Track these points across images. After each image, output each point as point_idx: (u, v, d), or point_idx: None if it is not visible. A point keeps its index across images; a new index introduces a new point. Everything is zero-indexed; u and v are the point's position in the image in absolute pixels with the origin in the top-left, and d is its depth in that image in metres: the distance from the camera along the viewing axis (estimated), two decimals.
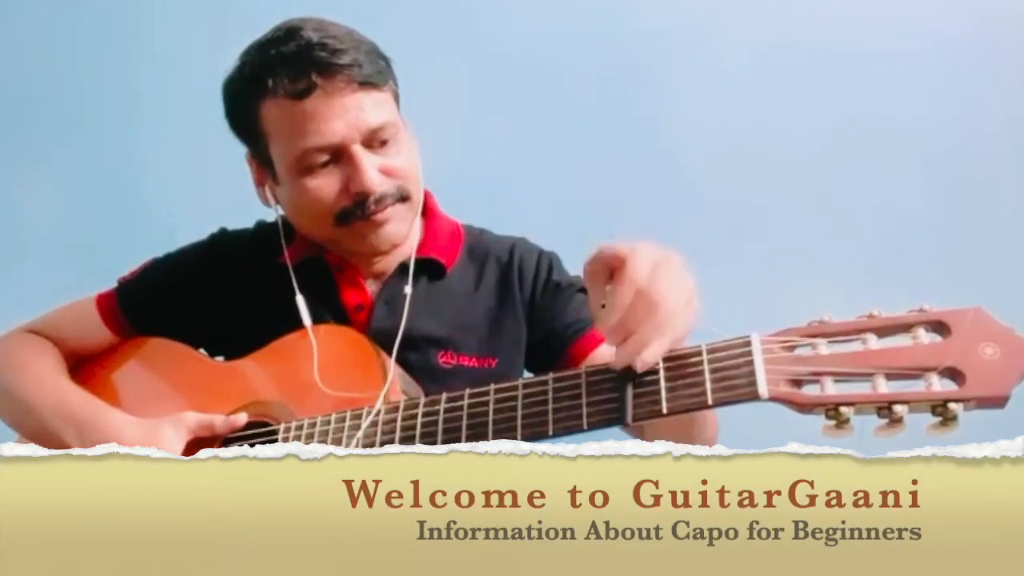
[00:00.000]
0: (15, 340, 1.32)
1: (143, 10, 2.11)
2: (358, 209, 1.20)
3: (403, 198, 1.23)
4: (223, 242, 1.37)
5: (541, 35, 2.00)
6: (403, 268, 1.29)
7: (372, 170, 1.19)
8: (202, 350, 1.31)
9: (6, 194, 2.08)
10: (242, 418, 1.14)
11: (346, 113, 1.17)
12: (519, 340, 1.29)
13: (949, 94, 1.87)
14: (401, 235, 1.25)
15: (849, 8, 1.92)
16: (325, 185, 1.19)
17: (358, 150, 1.18)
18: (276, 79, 1.17)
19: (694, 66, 1.95)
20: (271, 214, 1.36)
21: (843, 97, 1.89)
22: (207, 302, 1.31)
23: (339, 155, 1.19)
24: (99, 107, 2.09)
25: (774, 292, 1.74)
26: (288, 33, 1.19)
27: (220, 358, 1.32)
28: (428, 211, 1.36)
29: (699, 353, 0.93)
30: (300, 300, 1.23)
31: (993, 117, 1.84)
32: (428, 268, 1.30)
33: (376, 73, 1.20)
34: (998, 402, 0.85)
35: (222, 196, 1.79)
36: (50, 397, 1.20)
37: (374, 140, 1.20)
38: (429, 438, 1.01)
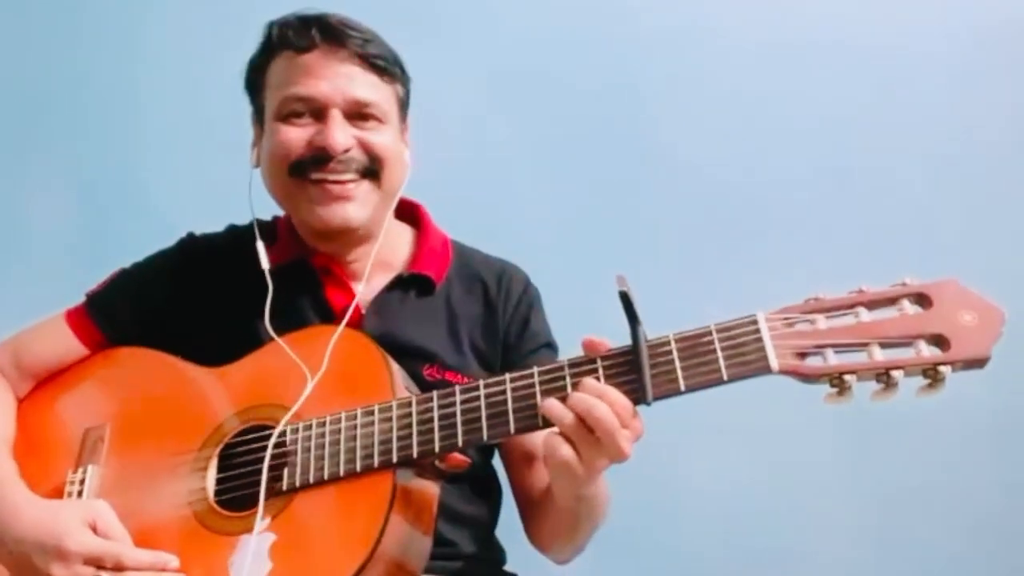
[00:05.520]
0: None
1: (145, 10, 2.03)
2: (314, 164, 1.22)
3: (371, 173, 1.25)
4: (193, 246, 1.34)
5: (540, 33, 2.00)
6: (395, 281, 1.30)
7: (342, 132, 1.23)
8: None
9: (8, 195, 1.97)
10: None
11: (336, 77, 1.23)
12: (494, 363, 1.31)
13: (952, 90, 1.91)
14: (359, 219, 1.25)
15: (850, 5, 1.96)
16: (294, 133, 1.24)
17: (335, 113, 1.23)
18: (284, 32, 1.26)
19: (694, 64, 1.97)
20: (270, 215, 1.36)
21: (844, 94, 1.93)
22: (180, 306, 1.28)
23: (319, 115, 1.23)
24: (101, 108, 1.99)
25: (775, 289, 1.79)
26: (313, 11, 1.26)
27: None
28: (422, 226, 1.37)
29: (709, 333, 0.99)
30: (260, 246, 1.26)
31: (997, 114, 1.89)
32: (418, 283, 1.31)
33: (380, 59, 1.25)
34: (980, 363, 0.95)
35: (225, 196, 1.73)
36: None
37: (356, 114, 1.24)
38: (448, 429, 1.03)
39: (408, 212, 1.39)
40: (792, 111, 1.94)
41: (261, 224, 1.31)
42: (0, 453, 1.17)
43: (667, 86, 1.97)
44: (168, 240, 1.36)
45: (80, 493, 1.14)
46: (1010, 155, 1.86)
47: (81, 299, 1.32)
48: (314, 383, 1.10)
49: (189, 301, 1.29)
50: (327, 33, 1.23)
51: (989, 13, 1.91)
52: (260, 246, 1.27)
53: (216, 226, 1.37)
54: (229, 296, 1.28)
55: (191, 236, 1.36)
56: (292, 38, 1.24)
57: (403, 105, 1.31)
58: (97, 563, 1.03)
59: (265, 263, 1.26)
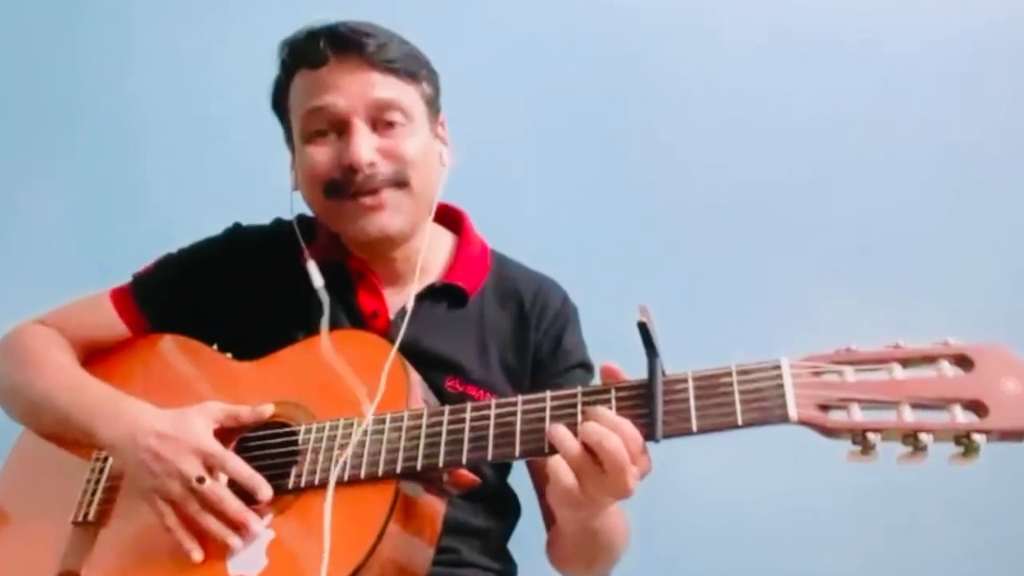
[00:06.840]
0: (28, 334, 1.30)
1: (143, 14, 2.09)
2: (346, 183, 1.20)
3: (401, 183, 1.22)
4: (240, 237, 1.36)
5: (540, 33, 2.00)
6: (427, 290, 1.28)
7: (366, 145, 1.20)
8: (215, 345, 1.30)
9: (7, 195, 2.05)
10: (268, 409, 1.12)
11: (352, 85, 1.21)
12: (521, 381, 1.28)
13: (954, 90, 1.88)
14: (395, 226, 1.23)
15: (850, 5, 1.94)
16: (322, 153, 1.22)
17: (358, 124, 1.21)
18: (295, 51, 1.25)
19: (695, 63, 1.95)
20: (268, 216, 1.37)
21: (846, 93, 1.90)
22: (220, 295, 1.30)
23: (343, 129, 1.21)
24: (99, 110, 2.06)
25: (775, 289, 1.75)
26: (321, 22, 1.25)
27: (228, 355, 1.31)
28: (463, 232, 1.36)
29: (729, 374, 0.95)
30: (311, 265, 1.25)
31: (998, 114, 1.85)
32: (451, 293, 1.30)
33: (400, 60, 1.23)
34: (1020, 436, 0.88)
35: (223, 197, 1.78)
36: (73, 391, 1.19)
37: (380, 120, 1.22)
38: (454, 445, 1.02)
39: (450, 217, 1.37)
40: (793, 111, 1.91)
41: (303, 223, 1.31)
42: (93, 382, 1.21)
43: (667, 86, 1.95)
44: (167, 238, 1.38)
45: (101, 470, 1.17)
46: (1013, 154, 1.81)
47: (127, 279, 1.35)
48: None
49: (229, 291, 1.30)
50: (338, 44, 1.20)
51: (991, 11, 1.87)
52: (313, 268, 1.26)
53: (215, 223, 1.37)
54: (269, 290, 1.29)
55: (238, 227, 1.37)
56: (304, 55, 1.23)
57: (431, 102, 1.29)
58: (204, 457, 1.06)
59: (319, 282, 1.25)
